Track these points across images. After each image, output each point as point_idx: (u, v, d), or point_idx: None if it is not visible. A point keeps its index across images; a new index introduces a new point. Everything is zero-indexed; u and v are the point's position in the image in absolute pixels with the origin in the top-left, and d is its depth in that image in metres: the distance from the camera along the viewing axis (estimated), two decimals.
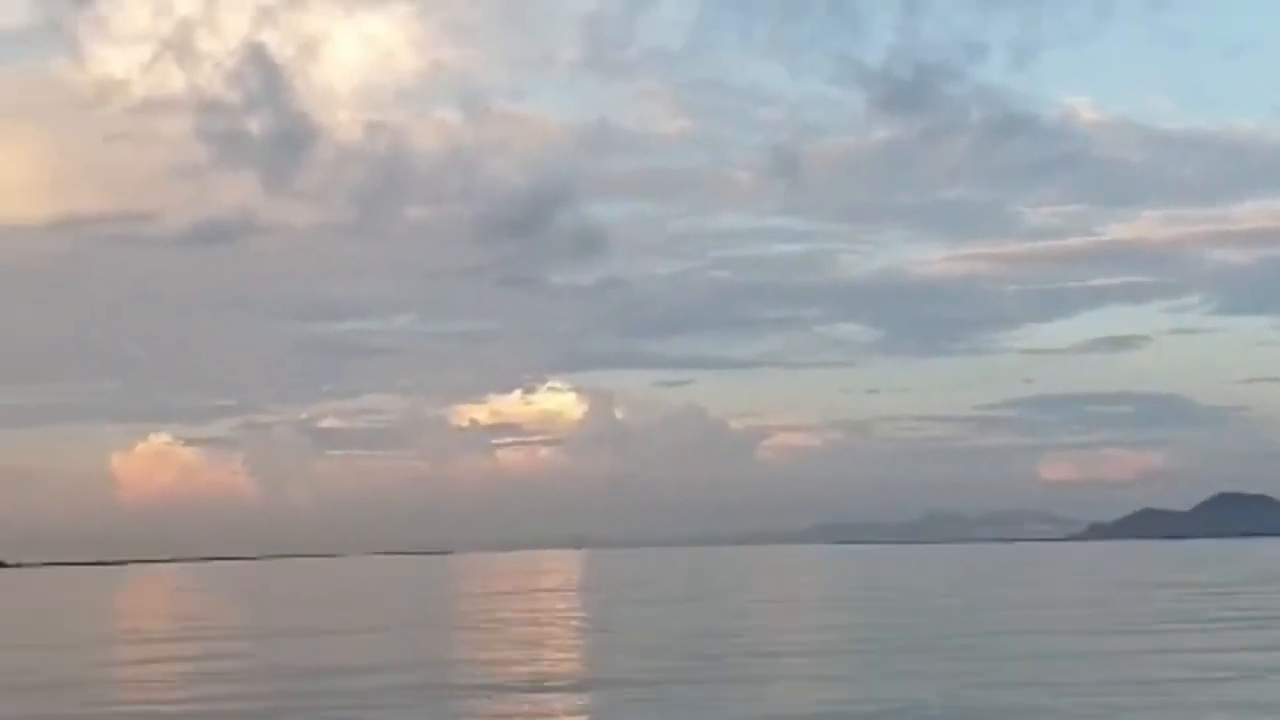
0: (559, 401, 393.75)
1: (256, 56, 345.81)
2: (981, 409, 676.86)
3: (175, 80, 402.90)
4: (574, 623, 50.33)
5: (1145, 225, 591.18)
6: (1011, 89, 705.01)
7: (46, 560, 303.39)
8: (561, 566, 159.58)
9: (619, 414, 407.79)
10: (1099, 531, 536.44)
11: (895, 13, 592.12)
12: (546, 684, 26.93)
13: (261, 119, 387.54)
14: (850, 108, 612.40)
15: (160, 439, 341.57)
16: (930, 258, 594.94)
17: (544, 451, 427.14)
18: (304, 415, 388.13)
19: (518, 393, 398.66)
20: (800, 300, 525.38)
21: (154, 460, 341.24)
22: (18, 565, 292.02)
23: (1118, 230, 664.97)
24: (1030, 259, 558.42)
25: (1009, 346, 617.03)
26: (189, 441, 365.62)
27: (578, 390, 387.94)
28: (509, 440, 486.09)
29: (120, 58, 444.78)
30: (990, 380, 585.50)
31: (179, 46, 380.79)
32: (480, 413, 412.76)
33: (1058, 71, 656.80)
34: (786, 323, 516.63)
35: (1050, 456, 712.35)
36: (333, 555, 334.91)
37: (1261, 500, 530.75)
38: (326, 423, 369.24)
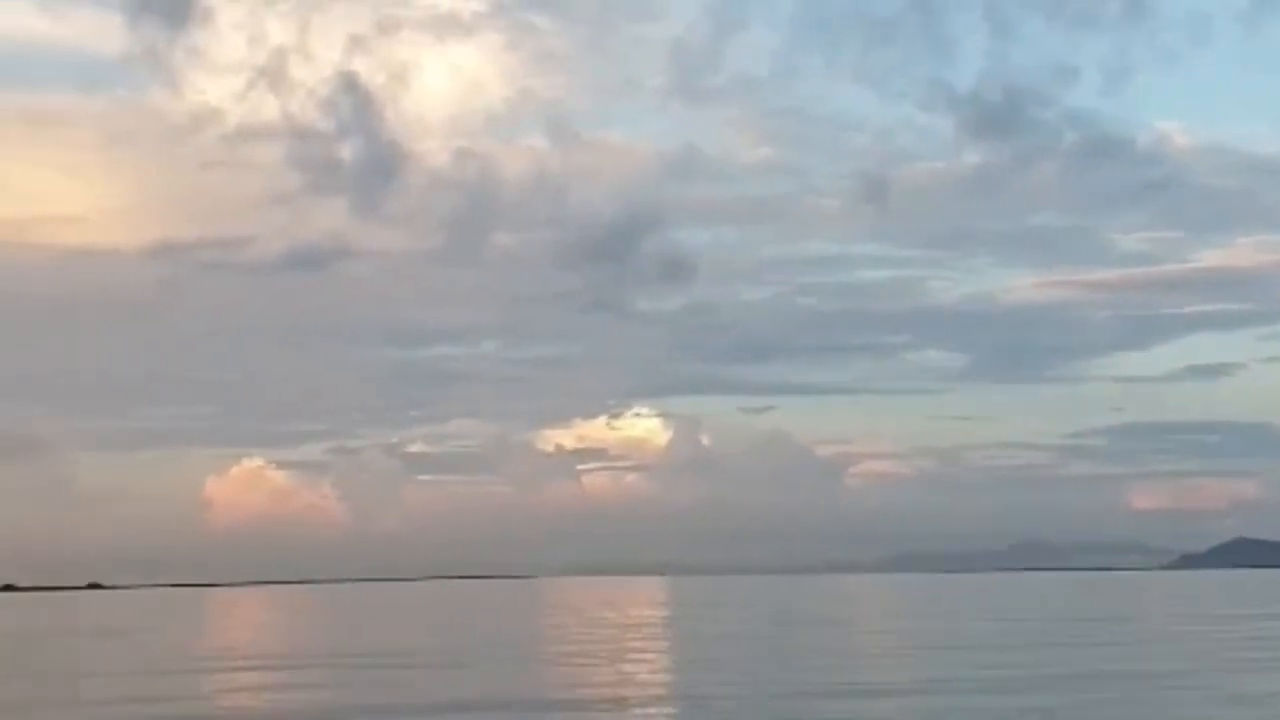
0: (644, 427, 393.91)
1: (348, 84, 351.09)
2: (1071, 437, 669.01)
3: (269, 108, 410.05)
4: (671, 652, 50.37)
5: (1238, 252, 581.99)
6: (1103, 113, 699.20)
7: (142, 582, 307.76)
8: (649, 594, 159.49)
9: (704, 440, 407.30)
10: (1190, 561, 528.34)
11: (985, 36, 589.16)
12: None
13: (353, 146, 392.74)
14: (939, 133, 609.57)
15: (253, 463, 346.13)
16: (1019, 284, 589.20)
17: (629, 477, 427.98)
18: (393, 440, 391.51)
19: (603, 418, 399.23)
20: (888, 327, 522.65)
21: (246, 484, 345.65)
22: (114, 587, 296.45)
23: (1210, 257, 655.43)
24: (1121, 285, 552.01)
25: (1099, 374, 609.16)
26: (280, 465, 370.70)
27: (663, 416, 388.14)
28: (594, 466, 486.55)
29: (215, 86, 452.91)
30: (1080, 408, 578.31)
31: (273, 74, 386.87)
32: (566, 438, 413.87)
33: (1150, 95, 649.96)
34: (874, 349, 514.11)
35: (1141, 485, 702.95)
36: (420, 579, 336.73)
37: None
38: (415, 447, 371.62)
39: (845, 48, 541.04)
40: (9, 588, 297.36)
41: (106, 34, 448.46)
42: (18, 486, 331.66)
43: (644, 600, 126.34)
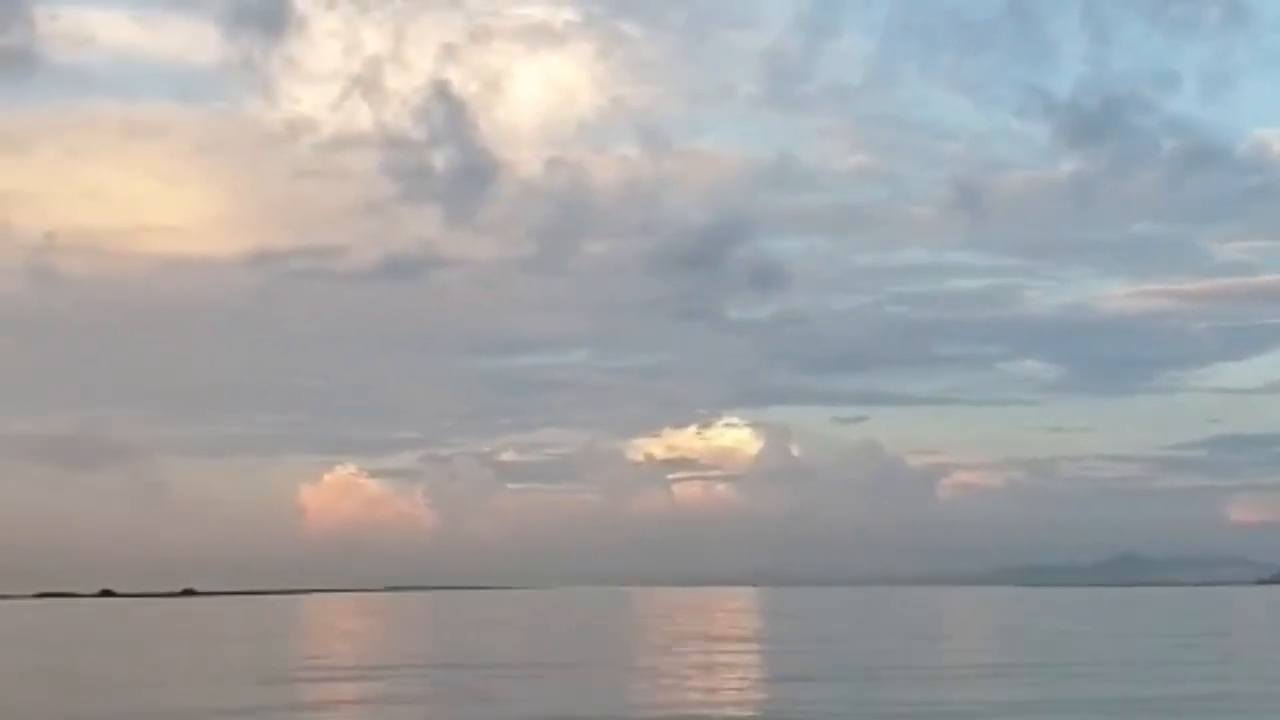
0: (735, 436, 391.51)
1: (442, 93, 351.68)
2: (1169, 449, 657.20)
3: (363, 117, 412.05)
4: (776, 664, 49.37)
5: None
6: (1202, 120, 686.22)
7: (237, 589, 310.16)
8: (742, 604, 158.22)
9: (795, 450, 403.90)
10: None
11: (1083, 42, 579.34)
12: None
13: (445, 155, 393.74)
14: (1035, 140, 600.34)
15: (346, 470, 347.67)
16: (1116, 293, 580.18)
17: (720, 487, 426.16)
18: (485, 448, 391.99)
19: (694, 427, 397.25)
20: (982, 336, 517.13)
21: (340, 491, 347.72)
22: (208, 593, 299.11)
23: None
24: (1220, 295, 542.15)
25: (1197, 385, 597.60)
26: (373, 473, 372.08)
27: (754, 425, 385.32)
28: (685, 475, 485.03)
29: (310, 95, 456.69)
30: (1178, 419, 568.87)
31: (367, 83, 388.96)
32: (656, 447, 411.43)
33: (1252, 102, 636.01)
34: (967, 359, 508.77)
35: (1240, 498, 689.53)
36: (511, 587, 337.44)
37: None
38: (506, 456, 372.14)
39: (940, 54, 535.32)
40: (106, 593, 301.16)
41: (203, 44, 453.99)
42: (115, 493, 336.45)
43: (737, 610, 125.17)
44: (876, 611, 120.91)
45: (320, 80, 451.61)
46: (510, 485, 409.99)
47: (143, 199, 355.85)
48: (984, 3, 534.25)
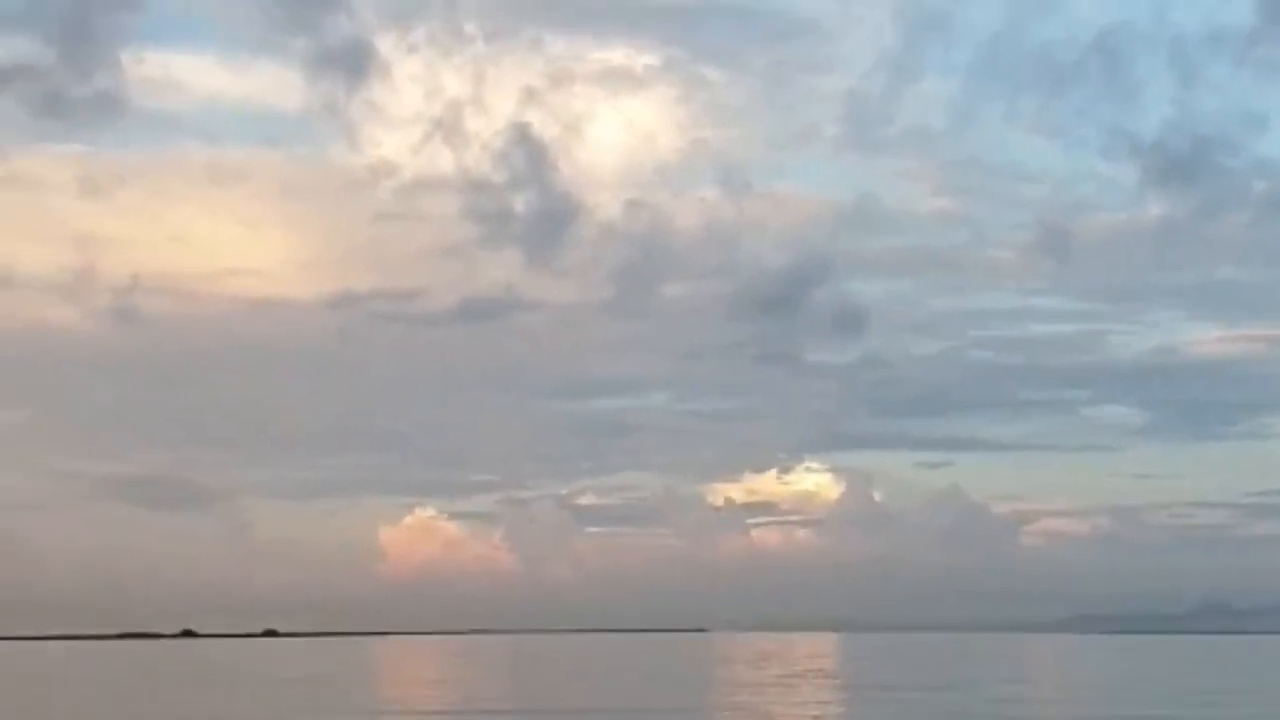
0: (815, 481, 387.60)
1: (522, 136, 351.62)
2: (1257, 495, 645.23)
3: (444, 160, 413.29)
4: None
5: None
6: None
7: (317, 629, 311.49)
8: (824, 649, 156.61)
9: (877, 495, 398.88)
10: None
11: (1170, 83, 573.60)
12: None
13: (525, 197, 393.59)
14: (1122, 182, 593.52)
15: (425, 512, 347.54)
16: (1204, 338, 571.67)
17: (800, 532, 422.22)
18: (563, 491, 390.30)
19: (773, 472, 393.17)
20: (1066, 382, 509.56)
21: (419, 533, 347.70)
22: (290, 634, 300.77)
23: None
24: None
25: None
26: (452, 515, 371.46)
27: (835, 470, 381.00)
28: (765, 520, 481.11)
29: (392, 139, 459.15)
30: (1266, 466, 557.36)
31: (448, 127, 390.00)
32: (736, 491, 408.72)
33: None
34: (1051, 405, 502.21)
35: None
36: (590, 630, 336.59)
37: None
38: (584, 499, 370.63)
39: (1024, 96, 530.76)
40: (188, 633, 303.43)
41: (287, 89, 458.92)
42: (198, 534, 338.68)
43: (819, 654, 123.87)
44: (974, 658, 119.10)
45: (401, 124, 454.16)
46: (589, 529, 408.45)
47: (226, 242, 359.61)
48: (1069, 44, 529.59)
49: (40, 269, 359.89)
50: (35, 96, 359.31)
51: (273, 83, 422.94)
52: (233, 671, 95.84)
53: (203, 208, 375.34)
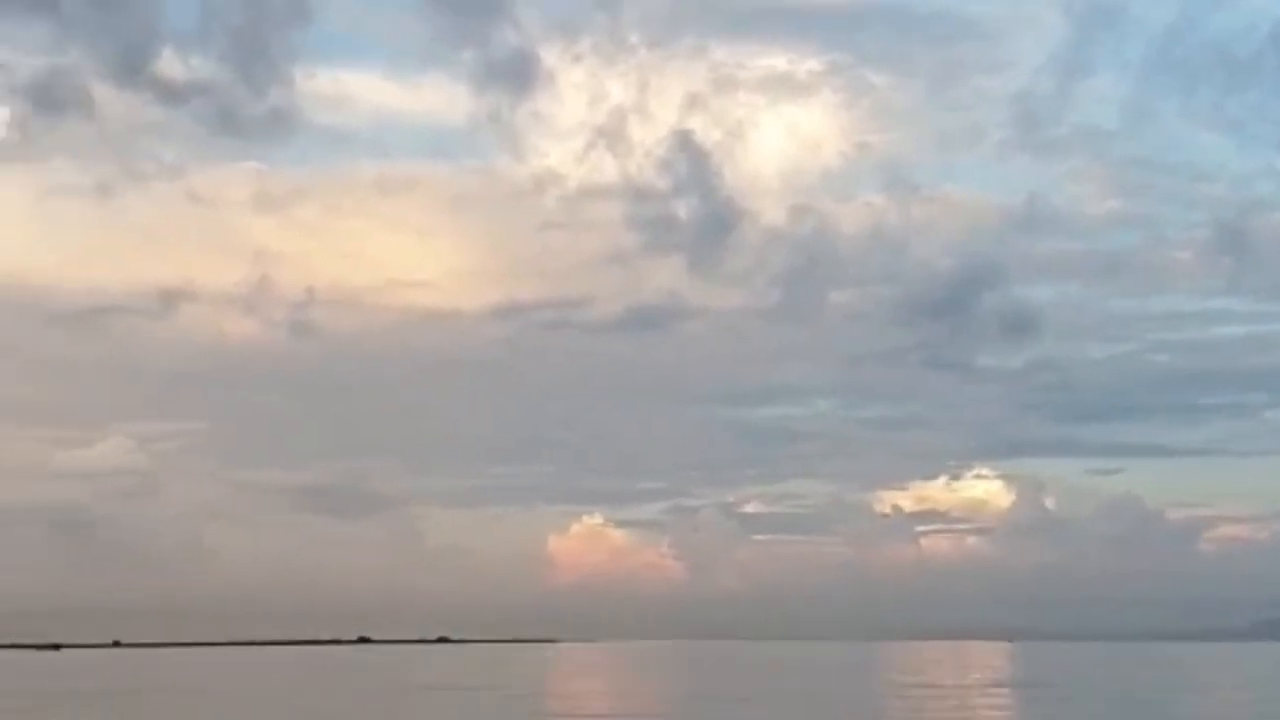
0: (986, 489, 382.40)
1: (685, 143, 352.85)
2: None
3: (608, 168, 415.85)
4: None
5: None
6: None
7: (488, 636, 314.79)
8: (1000, 659, 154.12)
9: (1049, 503, 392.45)
10: None
11: None
12: None
13: (689, 204, 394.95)
14: None
15: (593, 520, 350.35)
16: None
17: (970, 540, 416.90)
18: (729, 499, 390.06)
19: (943, 479, 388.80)
20: (1246, 385, 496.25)
21: (586, 541, 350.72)
22: (461, 641, 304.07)
23: None
24: None
25: None
26: (619, 523, 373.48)
27: (1005, 477, 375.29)
28: (934, 528, 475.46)
29: (557, 148, 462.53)
30: None
31: (611, 135, 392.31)
32: (904, 499, 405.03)
33: None
34: (1231, 409, 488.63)
35: None
36: (757, 639, 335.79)
37: None
38: (751, 507, 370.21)
39: (1199, 92, 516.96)
40: (364, 640, 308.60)
41: (454, 102, 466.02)
42: (372, 542, 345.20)
43: (995, 665, 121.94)
44: (1164, 665, 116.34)
45: (566, 133, 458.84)
46: (755, 536, 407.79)
47: (396, 254, 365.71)
48: (1245, 36, 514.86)
49: (219, 283, 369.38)
50: (212, 114, 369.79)
51: (440, 96, 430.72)
52: (415, 679, 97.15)
53: (373, 220, 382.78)
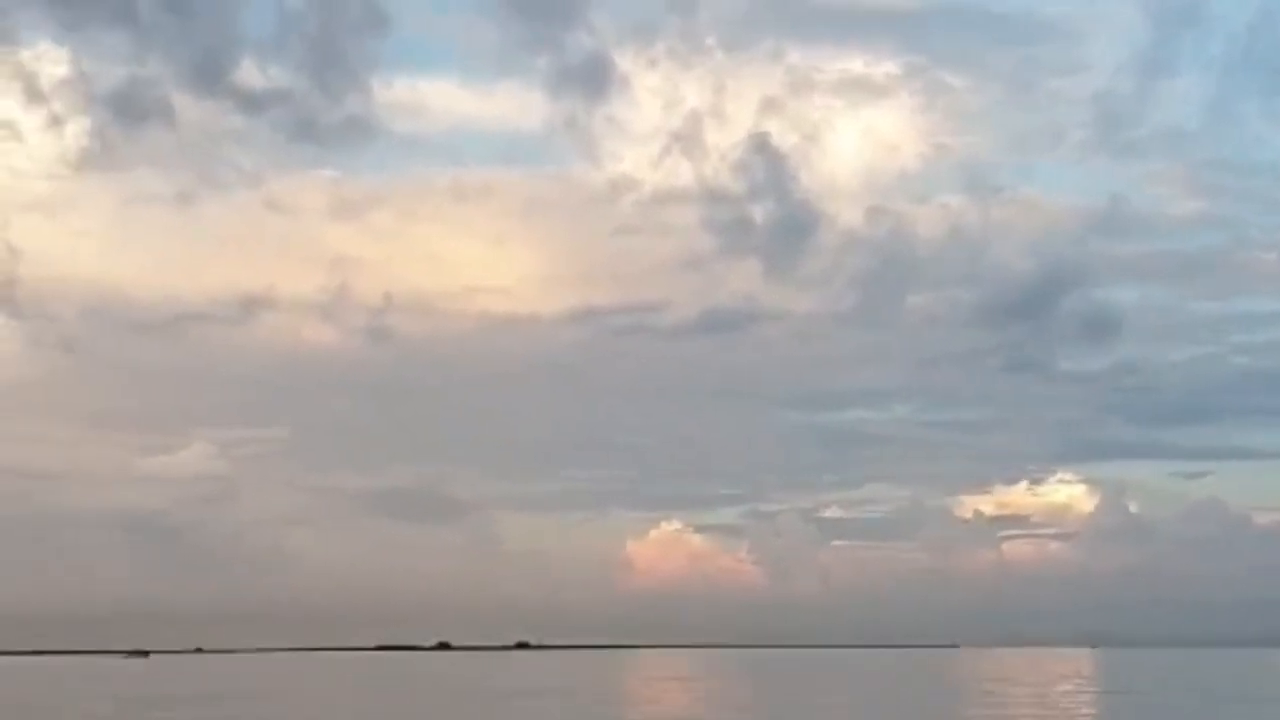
0: (1068, 493, 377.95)
1: (761, 146, 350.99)
2: None
3: (683, 172, 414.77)
4: None
5: None
6: None
7: (566, 642, 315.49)
8: (1087, 667, 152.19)
9: (1132, 506, 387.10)
10: None
11: None
12: None
13: (765, 207, 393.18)
14: None
15: (671, 526, 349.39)
16: None
17: (1053, 545, 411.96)
18: (808, 504, 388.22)
19: (1024, 484, 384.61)
20: None
21: (665, 547, 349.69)
22: (540, 646, 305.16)
23: None
24: None
25: None
26: (697, 529, 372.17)
27: (1088, 482, 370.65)
28: (1015, 533, 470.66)
29: (632, 153, 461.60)
30: None
31: (687, 139, 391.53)
32: (985, 504, 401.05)
33: None
34: None
35: None
36: (837, 646, 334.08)
37: None
38: (829, 512, 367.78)
39: None
40: (443, 645, 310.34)
41: (528, 108, 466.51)
42: (451, 547, 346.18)
43: (1084, 671, 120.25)
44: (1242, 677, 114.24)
45: (641, 138, 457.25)
46: (834, 542, 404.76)
47: (472, 260, 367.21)
48: None
49: (298, 290, 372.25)
50: (289, 122, 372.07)
51: (515, 102, 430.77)
52: (495, 685, 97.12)
53: (449, 227, 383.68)
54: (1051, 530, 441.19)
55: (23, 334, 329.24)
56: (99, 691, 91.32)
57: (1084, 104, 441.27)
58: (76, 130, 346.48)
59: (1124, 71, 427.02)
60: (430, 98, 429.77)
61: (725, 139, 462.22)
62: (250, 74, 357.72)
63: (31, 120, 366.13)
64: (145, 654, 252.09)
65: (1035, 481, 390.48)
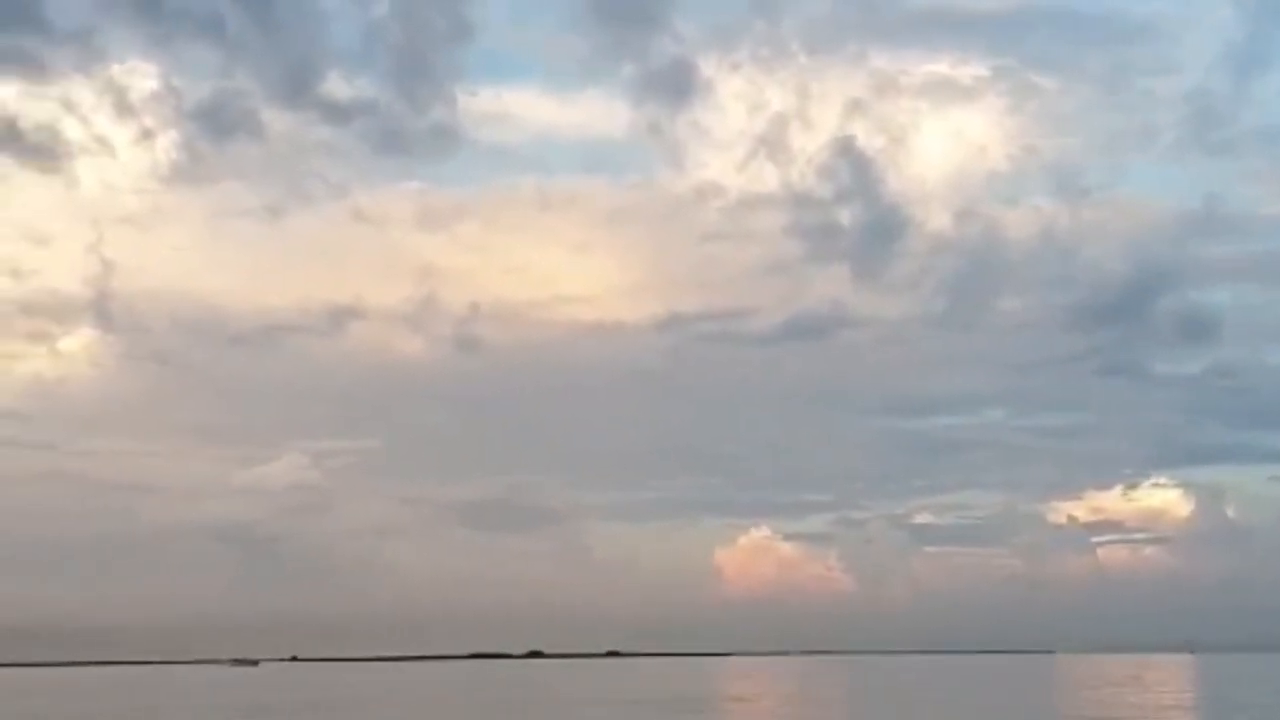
0: (1164, 498, 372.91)
1: (846, 149, 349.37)
2: None
3: (768, 177, 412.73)
4: None
5: None
6: None
7: (657, 650, 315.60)
8: (1186, 673, 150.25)
9: (1230, 511, 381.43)
10: None
11: None
12: None
13: (852, 211, 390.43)
14: None
15: (760, 533, 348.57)
16: None
17: (1148, 550, 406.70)
18: (898, 511, 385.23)
19: (1119, 488, 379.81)
20: None
21: (754, 554, 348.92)
22: (631, 655, 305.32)
23: None
24: None
25: None
26: (787, 536, 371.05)
27: (1184, 486, 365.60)
28: (1110, 538, 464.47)
29: (717, 158, 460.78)
30: None
31: (772, 143, 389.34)
32: (1078, 509, 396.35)
33: None
34: None
35: None
36: (930, 652, 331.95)
37: None
38: (920, 519, 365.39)
39: None
40: (535, 654, 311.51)
41: (612, 116, 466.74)
42: (541, 556, 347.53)
43: (1186, 678, 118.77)
44: None
45: (726, 143, 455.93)
46: (925, 548, 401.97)
47: (557, 269, 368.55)
48: None
49: (386, 301, 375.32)
50: (375, 133, 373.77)
51: (599, 110, 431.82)
52: (587, 693, 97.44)
53: (535, 236, 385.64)
54: (1147, 535, 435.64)
55: (117, 347, 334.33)
56: (217, 701, 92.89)
57: (1177, 103, 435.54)
58: (166, 144, 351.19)
59: (1217, 70, 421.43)
60: (514, 107, 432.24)
61: (810, 143, 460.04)
62: (336, 86, 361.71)
63: (122, 135, 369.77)
64: (254, 663, 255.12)
65: (1130, 486, 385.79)
